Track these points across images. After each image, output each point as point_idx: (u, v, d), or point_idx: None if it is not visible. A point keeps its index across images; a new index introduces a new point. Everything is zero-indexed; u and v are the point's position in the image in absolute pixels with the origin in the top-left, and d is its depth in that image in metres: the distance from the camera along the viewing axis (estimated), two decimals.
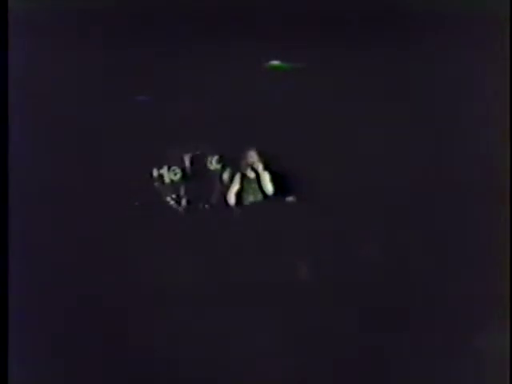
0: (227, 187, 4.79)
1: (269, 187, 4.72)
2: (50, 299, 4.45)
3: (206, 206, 4.69)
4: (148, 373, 4.33)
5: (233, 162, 4.84)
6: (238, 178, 4.73)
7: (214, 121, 4.77)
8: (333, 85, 4.77)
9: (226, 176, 4.84)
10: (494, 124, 4.59)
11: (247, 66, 4.77)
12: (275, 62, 4.81)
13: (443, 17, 4.64)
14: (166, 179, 4.72)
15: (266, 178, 4.74)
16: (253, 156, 4.73)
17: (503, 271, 4.39)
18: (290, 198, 4.67)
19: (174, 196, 4.71)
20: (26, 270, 4.46)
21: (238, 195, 4.72)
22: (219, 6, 4.78)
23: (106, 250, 4.55)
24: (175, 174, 4.72)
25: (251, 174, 4.73)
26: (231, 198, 4.70)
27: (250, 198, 4.75)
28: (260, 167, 4.74)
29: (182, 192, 4.72)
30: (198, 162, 4.80)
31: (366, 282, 4.52)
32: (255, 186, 4.74)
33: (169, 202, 4.69)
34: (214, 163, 4.77)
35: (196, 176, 4.80)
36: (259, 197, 4.75)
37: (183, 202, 4.70)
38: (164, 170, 4.71)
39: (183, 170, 4.74)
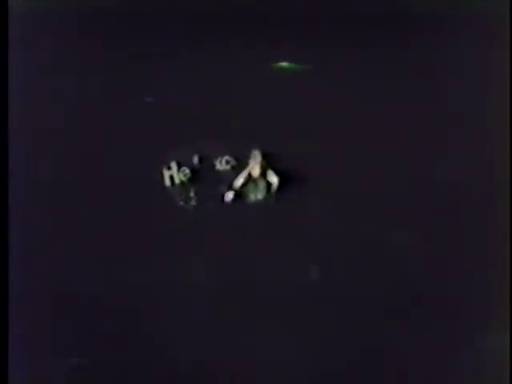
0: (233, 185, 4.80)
1: (274, 179, 4.74)
2: (51, 299, 4.47)
3: (216, 205, 4.69)
4: (151, 373, 4.34)
5: (242, 162, 4.84)
6: (244, 173, 4.74)
7: (223, 122, 4.78)
8: (343, 86, 4.76)
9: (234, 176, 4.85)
10: (494, 124, 4.57)
11: (259, 68, 4.78)
12: (284, 64, 4.81)
13: (443, 17, 4.62)
14: (176, 180, 4.73)
15: (270, 173, 4.75)
16: (257, 156, 4.74)
17: (503, 271, 4.37)
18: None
19: (183, 196, 4.71)
20: (26, 270, 4.48)
21: (238, 193, 4.74)
22: (229, 7, 4.79)
23: (114, 250, 4.56)
24: (185, 175, 4.72)
25: (255, 172, 4.74)
26: (230, 194, 4.72)
27: (252, 196, 4.77)
28: (265, 165, 4.75)
29: (192, 192, 4.72)
30: (208, 162, 4.80)
31: (366, 281, 4.51)
32: (260, 183, 4.76)
33: (179, 202, 4.69)
34: (223, 164, 4.77)
35: (205, 177, 4.80)
36: (261, 195, 4.76)
37: (192, 202, 4.70)
38: (174, 171, 4.72)
39: (192, 170, 4.74)
